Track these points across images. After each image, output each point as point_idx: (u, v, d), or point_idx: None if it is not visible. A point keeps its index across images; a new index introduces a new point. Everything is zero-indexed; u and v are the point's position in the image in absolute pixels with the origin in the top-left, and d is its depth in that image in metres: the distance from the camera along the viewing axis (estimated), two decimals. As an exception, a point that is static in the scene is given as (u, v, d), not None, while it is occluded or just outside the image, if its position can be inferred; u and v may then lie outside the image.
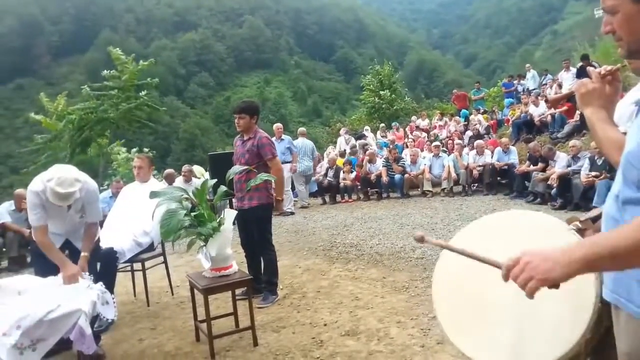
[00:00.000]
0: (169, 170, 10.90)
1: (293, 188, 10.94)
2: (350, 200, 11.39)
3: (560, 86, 13.36)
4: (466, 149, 11.36)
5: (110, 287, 3.84)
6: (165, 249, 5.25)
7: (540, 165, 9.12)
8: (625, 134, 1.34)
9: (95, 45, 69.28)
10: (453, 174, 10.66)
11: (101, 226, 4.46)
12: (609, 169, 7.40)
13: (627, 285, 1.22)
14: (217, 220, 3.56)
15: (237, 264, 3.83)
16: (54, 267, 3.55)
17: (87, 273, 3.57)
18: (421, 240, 1.53)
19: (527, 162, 9.61)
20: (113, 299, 3.52)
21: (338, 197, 11.55)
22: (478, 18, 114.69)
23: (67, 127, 13.86)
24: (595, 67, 1.75)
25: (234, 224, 3.79)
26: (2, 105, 64.69)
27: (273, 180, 4.56)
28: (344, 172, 11.64)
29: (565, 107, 11.25)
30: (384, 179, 11.09)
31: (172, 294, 5.26)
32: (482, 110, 16.52)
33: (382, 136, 16.07)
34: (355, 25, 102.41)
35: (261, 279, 4.82)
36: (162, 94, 57.31)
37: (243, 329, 3.80)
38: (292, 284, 5.27)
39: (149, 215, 3.80)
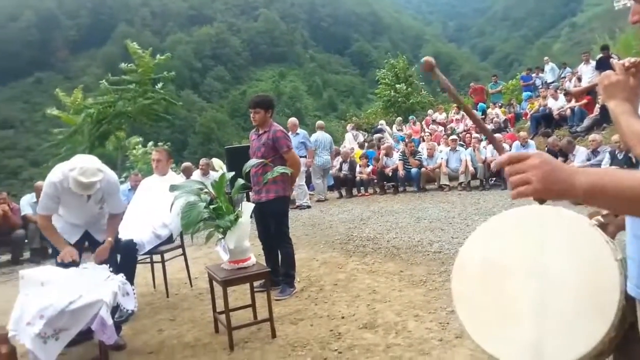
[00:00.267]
0: (186, 164, 10.97)
1: (308, 182, 10.94)
2: (366, 194, 11.38)
3: (579, 79, 13.19)
4: (483, 143, 11.27)
5: (130, 278, 3.89)
6: (184, 241, 5.30)
7: (559, 159, 9.01)
8: None
9: (112, 39, 69.86)
10: (470, 168, 10.58)
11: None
12: (630, 163, 7.31)
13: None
14: (235, 213, 3.59)
15: (254, 256, 3.86)
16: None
17: (108, 265, 3.63)
18: (430, 67, 1.41)
19: (546, 156, 9.49)
20: (133, 290, 3.57)
21: (354, 191, 11.55)
22: (495, 10, 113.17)
23: (86, 120, 13.99)
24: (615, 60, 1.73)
25: (251, 217, 3.81)
26: (21, 98, 65.56)
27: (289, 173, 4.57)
28: (360, 166, 11.63)
29: (585, 101, 11.11)
30: (401, 172, 11.04)
31: (191, 286, 5.32)
32: (499, 104, 16.36)
33: (398, 130, 16.01)
34: (370, 18, 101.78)
35: (279, 271, 4.84)
36: (179, 88, 57.71)
37: (261, 321, 3.83)
38: (309, 277, 5.29)
39: (167, 207, 3.84)
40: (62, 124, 15.09)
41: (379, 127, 16.33)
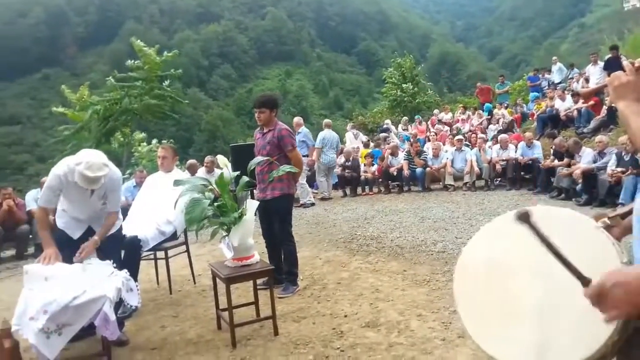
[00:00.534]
0: (191, 161, 10.97)
1: (312, 180, 10.91)
2: (371, 193, 11.37)
3: (587, 80, 13.11)
4: (489, 143, 11.24)
5: (134, 274, 3.90)
6: (188, 238, 5.31)
7: (565, 160, 8.96)
8: None
9: (119, 36, 70.07)
10: (476, 168, 10.56)
11: (125, 215, 4.52)
12: (637, 165, 7.27)
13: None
14: (240, 211, 3.59)
15: (258, 254, 3.86)
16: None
17: (112, 261, 3.63)
18: (526, 218, 1.34)
19: (552, 157, 9.46)
20: (137, 286, 3.58)
21: (359, 190, 11.54)
22: (503, 10, 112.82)
23: (93, 117, 14.02)
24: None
25: (255, 214, 3.81)
26: (29, 95, 65.91)
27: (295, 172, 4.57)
28: (365, 165, 11.60)
29: (592, 102, 11.05)
30: (405, 172, 11.03)
31: (194, 283, 5.33)
32: (506, 104, 16.29)
33: (404, 129, 15.98)
34: (377, 17, 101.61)
35: (282, 269, 4.84)
36: (186, 86, 57.85)
37: (264, 318, 3.83)
38: (312, 275, 5.29)
39: (172, 204, 3.84)
40: (69, 120, 15.10)
41: (385, 126, 16.29)
